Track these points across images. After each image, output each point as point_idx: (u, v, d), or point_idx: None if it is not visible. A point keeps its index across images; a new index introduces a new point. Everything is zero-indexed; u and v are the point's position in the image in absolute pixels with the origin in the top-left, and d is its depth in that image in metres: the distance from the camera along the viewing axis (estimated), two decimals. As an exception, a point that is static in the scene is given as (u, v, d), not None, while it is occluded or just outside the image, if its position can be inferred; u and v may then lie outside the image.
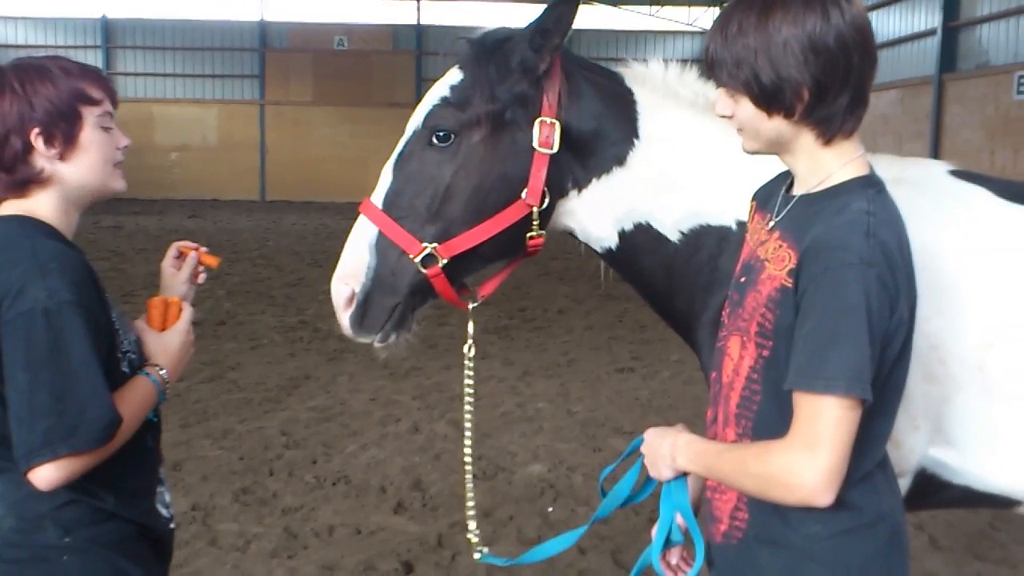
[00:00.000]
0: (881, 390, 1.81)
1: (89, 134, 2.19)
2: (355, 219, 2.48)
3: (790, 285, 1.82)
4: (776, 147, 1.94)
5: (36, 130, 2.13)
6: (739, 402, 1.96)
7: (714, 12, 31.64)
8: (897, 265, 1.78)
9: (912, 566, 2.01)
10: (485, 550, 2.60)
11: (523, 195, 2.39)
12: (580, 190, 2.50)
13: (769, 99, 1.86)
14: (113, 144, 2.25)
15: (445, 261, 2.39)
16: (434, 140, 2.39)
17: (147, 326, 2.34)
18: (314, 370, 8.84)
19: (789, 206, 1.95)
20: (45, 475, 1.99)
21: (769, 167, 2.25)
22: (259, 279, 14.37)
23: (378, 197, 2.43)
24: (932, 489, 2.37)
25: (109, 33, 31.56)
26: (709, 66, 1.94)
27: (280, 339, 10.20)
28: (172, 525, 2.40)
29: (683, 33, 33.03)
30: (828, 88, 1.83)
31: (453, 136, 2.39)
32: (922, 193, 2.41)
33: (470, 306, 2.54)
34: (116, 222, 22.36)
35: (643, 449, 2.12)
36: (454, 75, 2.46)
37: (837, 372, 1.71)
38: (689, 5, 32.31)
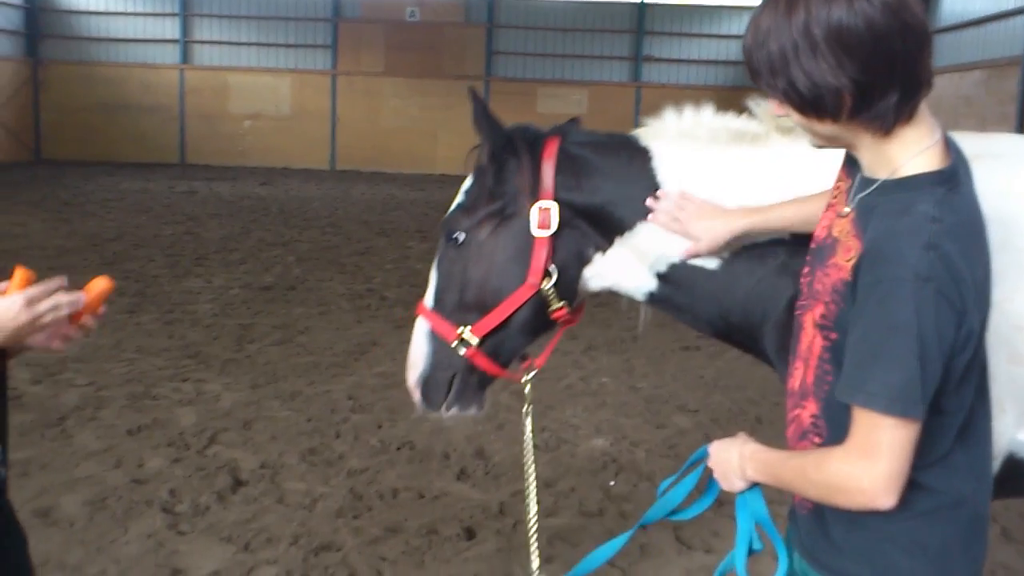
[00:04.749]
0: (953, 394, 1.79)
1: None
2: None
3: (851, 280, 1.80)
4: (839, 143, 1.89)
5: None
6: (814, 380, 1.96)
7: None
8: (962, 277, 1.70)
9: (983, 556, 1.98)
10: None
11: (527, 277, 2.56)
12: (604, 251, 2.62)
13: (810, 107, 1.78)
14: None
15: (477, 341, 2.62)
16: (452, 241, 2.66)
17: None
18: (381, 337, 8.95)
19: (863, 192, 1.88)
20: None
21: (812, 169, 2.31)
22: (328, 246, 14.56)
23: (428, 298, 2.73)
24: (1022, 473, 2.31)
25: (187, 1, 32.06)
26: (749, 71, 1.85)
27: (348, 306, 10.34)
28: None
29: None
30: (872, 87, 1.72)
31: (464, 235, 2.63)
32: (1007, 165, 2.34)
33: (523, 378, 2.80)
34: (190, 187, 22.75)
35: (711, 463, 2.14)
36: (468, 181, 2.70)
37: (878, 389, 1.69)
38: (766, -20, 31.68)
